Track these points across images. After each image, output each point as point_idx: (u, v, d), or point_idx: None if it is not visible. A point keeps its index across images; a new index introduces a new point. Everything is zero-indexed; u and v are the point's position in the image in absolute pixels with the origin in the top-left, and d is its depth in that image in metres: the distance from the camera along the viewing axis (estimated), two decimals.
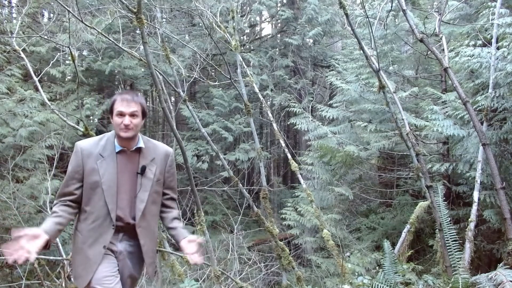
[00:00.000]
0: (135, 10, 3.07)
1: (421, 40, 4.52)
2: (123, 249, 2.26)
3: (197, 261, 2.15)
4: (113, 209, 2.17)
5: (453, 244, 3.98)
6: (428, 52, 6.46)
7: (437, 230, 4.35)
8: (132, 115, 2.17)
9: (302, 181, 5.47)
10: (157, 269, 4.98)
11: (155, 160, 2.29)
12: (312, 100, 10.17)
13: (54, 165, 6.13)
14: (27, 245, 1.85)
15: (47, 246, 2.00)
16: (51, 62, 6.13)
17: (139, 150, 2.27)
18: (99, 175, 2.15)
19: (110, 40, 4.40)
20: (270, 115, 5.91)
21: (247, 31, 14.25)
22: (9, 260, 1.81)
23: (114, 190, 2.18)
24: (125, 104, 2.17)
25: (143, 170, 2.23)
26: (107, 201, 2.16)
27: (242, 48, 12.17)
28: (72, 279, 2.34)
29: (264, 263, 7.32)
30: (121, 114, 2.16)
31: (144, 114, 2.26)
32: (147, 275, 2.50)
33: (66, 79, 10.13)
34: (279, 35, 13.96)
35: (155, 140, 2.43)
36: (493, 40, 4.93)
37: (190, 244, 2.18)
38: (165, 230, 6.02)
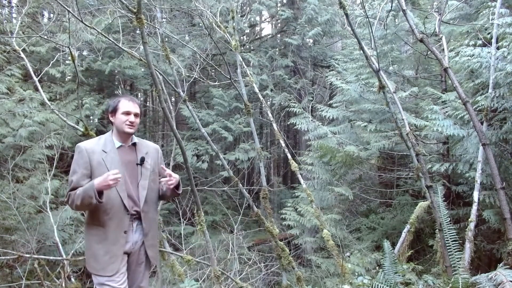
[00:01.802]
0: (135, 10, 3.07)
1: (421, 40, 4.51)
2: (138, 239, 2.51)
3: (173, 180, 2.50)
4: (125, 197, 2.44)
5: (453, 244, 3.97)
6: (428, 52, 6.46)
7: (437, 230, 4.35)
8: (136, 115, 2.53)
9: (302, 181, 5.46)
10: (157, 269, 4.98)
11: (148, 153, 2.60)
12: (312, 100, 10.16)
13: (54, 165, 6.13)
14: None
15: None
16: (51, 62, 6.14)
17: (134, 145, 2.58)
18: (107, 168, 2.39)
19: (110, 40, 4.39)
20: (270, 115, 5.90)
21: (247, 31, 14.24)
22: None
23: (122, 180, 2.42)
24: (132, 105, 2.52)
25: (142, 160, 2.52)
26: (118, 189, 2.41)
27: (242, 48, 12.18)
28: (95, 272, 2.40)
29: (264, 263, 7.31)
30: (128, 113, 2.49)
31: (140, 116, 2.65)
32: (153, 263, 2.64)
33: (66, 79, 10.12)
34: (279, 35, 13.96)
35: (142, 139, 2.77)
36: (493, 40, 4.92)
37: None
38: (165, 230, 6.03)
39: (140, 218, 2.49)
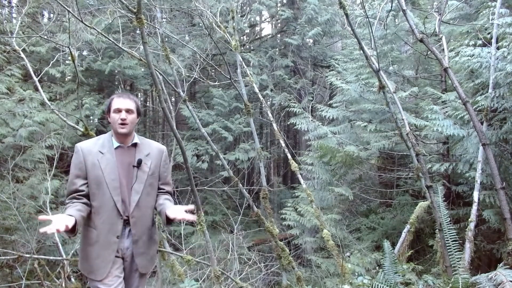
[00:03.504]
0: (135, 10, 3.07)
1: (421, 40, 4.52)
2: (129, 245, 2.40)
3: (189, 218, 2.23)
4: (119, 201, 2.32)
5: (453, 244, 3.97)
6: (428, 52, 6.46)
7: (437, 230, 4.35)
8: (128, 111, 2.36)
9: (302, 181, 5.47)
10: (157, 269, 4.98)
11: (150, 155, 2.45)
12: (312, 100, 10.16)
13: (54, 165, 6.13)
14: (57, 223, 1.97)
15: (74, 230, 2.11)
16: (51, 62, 6.13)
17: (135, 145, 2.44)
18: (101, 170, 2.30)
19: (110, 40, 4.40)
20: (270, 115, 5.90)
21: (247, 31, 14.23)
22: (42, 230, 1.93)
23: (117, 183, 2.32)
24: (121, 101, 2.37)
25: (139, 163, 2.37)
26: (112, 193, 2.30)
27: (242, 48, 12.17)
28: (85, 274, 2.37)
29: (264, 263, 7.30)
30: (118, 110, 2.35)
31: (138, 112, 2.44)
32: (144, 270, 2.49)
33: (66, 79, 10.13)
34: (279, 35, 13.96)
35: (148, 139, 2.60)
36: (493, 40, 4.93)
37: (176, 209, 2.26)
38: (165, 230, 6.03)
39: (130, 223, 2.37)
